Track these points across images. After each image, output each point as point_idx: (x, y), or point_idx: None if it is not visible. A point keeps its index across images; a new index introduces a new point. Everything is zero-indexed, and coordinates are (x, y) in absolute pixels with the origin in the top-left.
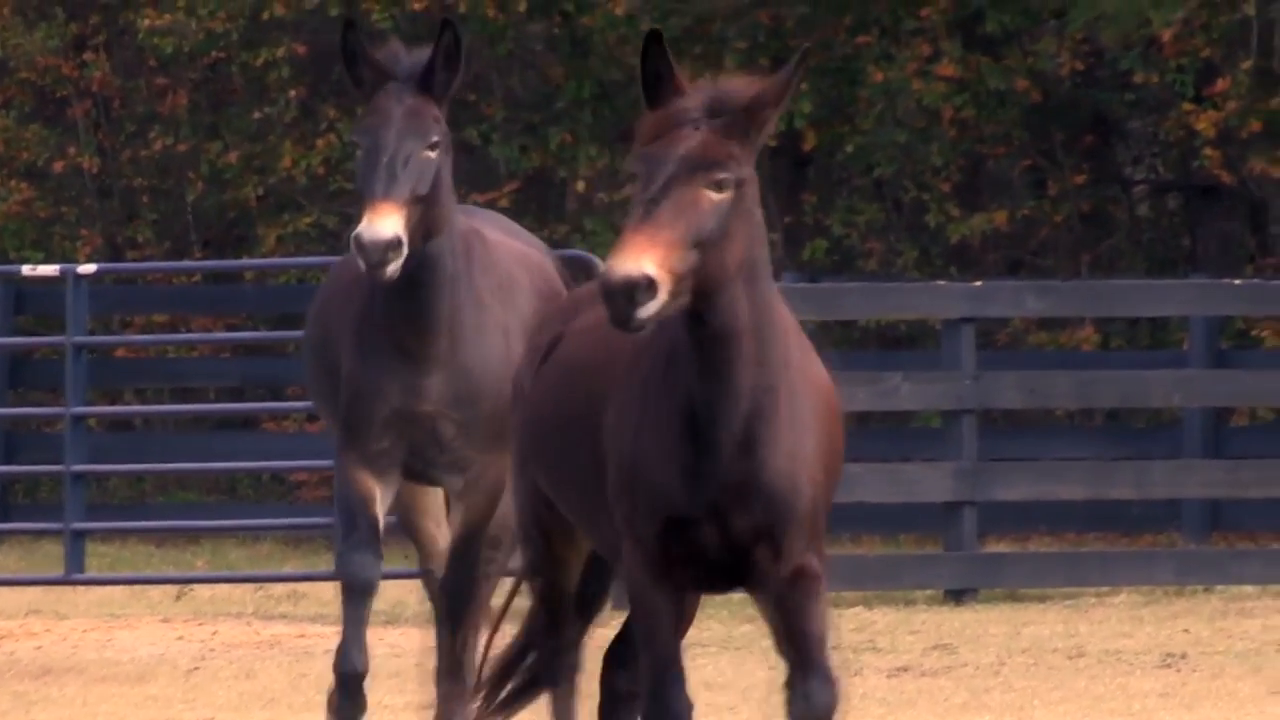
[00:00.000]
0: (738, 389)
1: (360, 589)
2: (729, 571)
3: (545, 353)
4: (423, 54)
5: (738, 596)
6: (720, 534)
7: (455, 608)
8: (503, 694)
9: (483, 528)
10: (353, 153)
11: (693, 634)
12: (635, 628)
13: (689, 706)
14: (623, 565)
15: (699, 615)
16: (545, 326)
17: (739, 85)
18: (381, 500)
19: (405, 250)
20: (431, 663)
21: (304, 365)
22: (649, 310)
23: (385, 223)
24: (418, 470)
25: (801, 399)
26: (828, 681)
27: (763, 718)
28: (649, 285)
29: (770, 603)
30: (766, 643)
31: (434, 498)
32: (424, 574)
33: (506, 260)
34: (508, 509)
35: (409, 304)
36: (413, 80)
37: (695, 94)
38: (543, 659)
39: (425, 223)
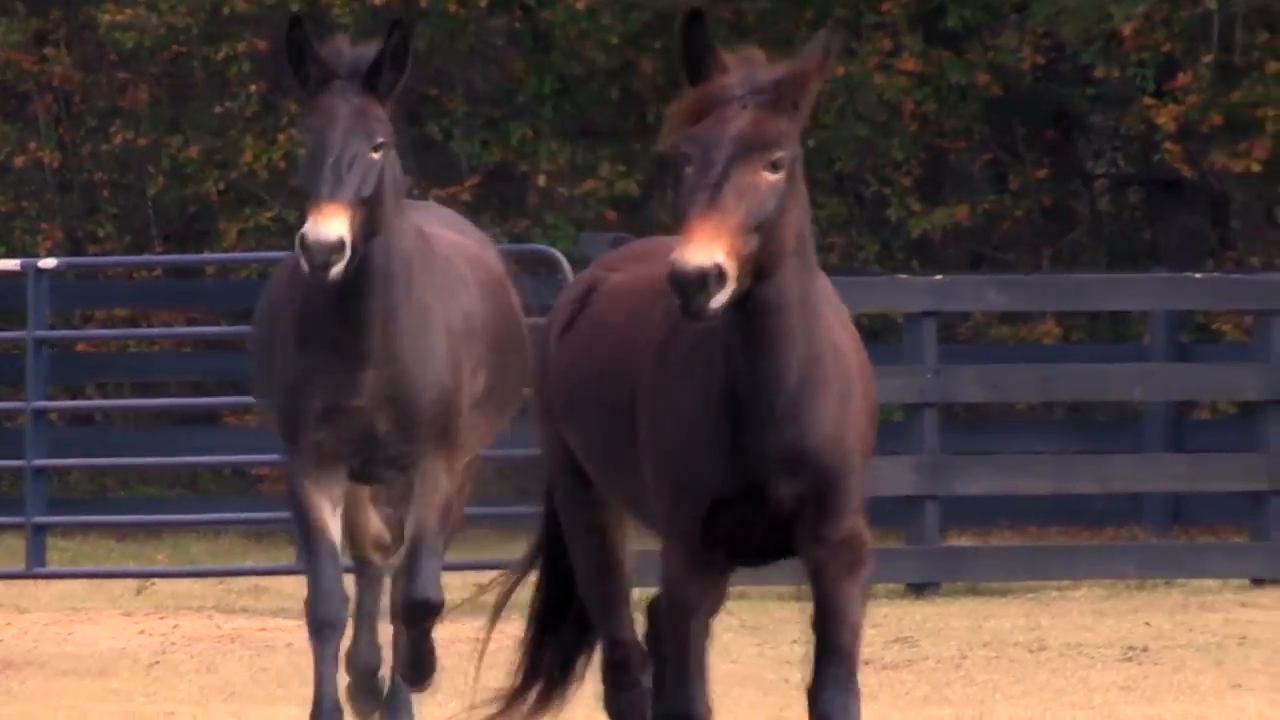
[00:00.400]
0: (786, 361)
1: (329, 634)
2: (775, 545)
3: (579, 303)
4: (368, 50)
5: None
6: (767, 508)
7: (417, 609)
8: (538, 688)
9: (436, 527)
10: None
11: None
12: (664, 618)
13: (707, 708)
14: (660, 551)
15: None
16: (583, 277)
17: (774, 62)
18: (333, 513)
19: (349, 252)
20: (347, 647)
21: (251, 366)
22: (720, 299)
23: (330, 224)
24: (359, 471)
25: (843, 363)
26: (850, 695)
27: (725, 711)
28: (720, 275)
29: (813, 570)
30: (728, 636)
31: (360, 489)
32: (356, 564)
33: (450, 256)
34: (457, 504)
35: (341, 300)
36: (357, 78)
37: (736, 70)
38: (614, 666)
39: (368, 223)
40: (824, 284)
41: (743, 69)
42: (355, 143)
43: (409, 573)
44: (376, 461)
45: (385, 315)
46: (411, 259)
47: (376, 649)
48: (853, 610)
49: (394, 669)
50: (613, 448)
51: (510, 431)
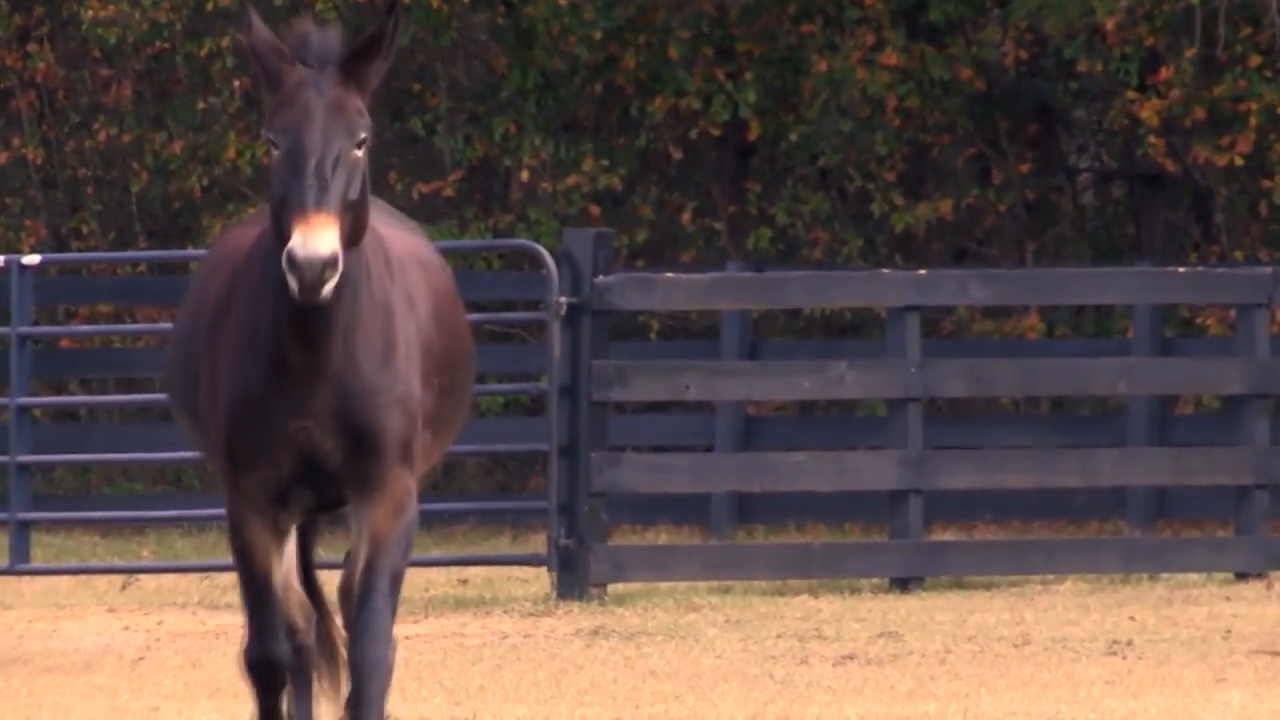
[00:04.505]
0: None
1: (271, 686)
2: None
3: None
4: (334, 37)
5: (683, 585)
6: None
7: (368, 658)
8: None
9: (392, 552)
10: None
11: (637, 623)
12: None
13: None
14: None
15: (646, 604)
16: None
17: None
18: (278, 561)
19: (340, 268)
20: None
21: (171, 368)
22: None
23: (322, 237)
24: (315, 504)
25: None
26: None
27: (709, 705)
28: None
29: None
30: (712, 631)
31: (288, 547)
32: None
33: (404, 259)
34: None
35: (299, 315)
36: (330, 68)
37: None
38: None
39: (352, 231)
40: None
41: None
42: (337, 141)
43: (358, 626)
44: (330, 495)
45: (347, 326)
46: (370, 256)
47: None
48: None
49: None
50: None
51: (493, 428)
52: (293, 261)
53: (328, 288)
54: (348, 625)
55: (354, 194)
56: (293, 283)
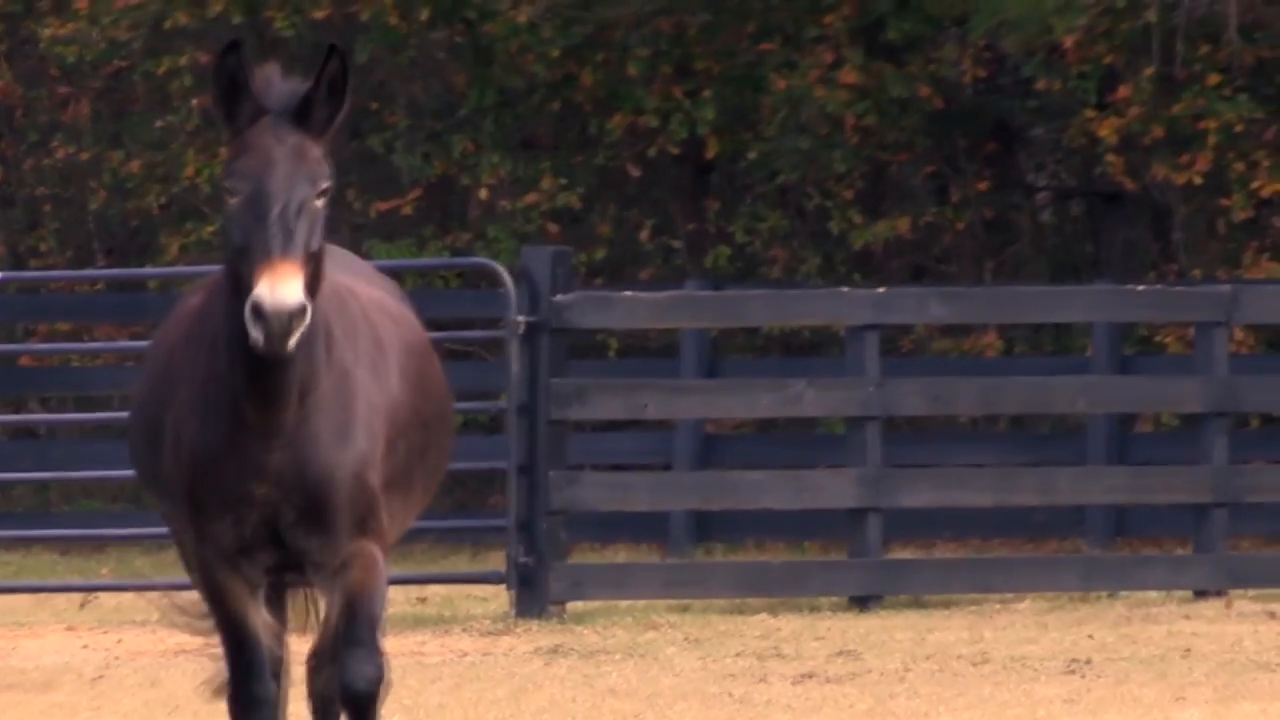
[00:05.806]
0: None
1: (264, 713)
2: None
3: None
4: (298, 83)
5: (642, 603)
6: None
7: (354, 699)
8: None
9: (370, 605)
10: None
11: (596, 641)
12: None
13: None
14: None
15: (605, 622)
16: None
17: None
18: (255, 605)
19: (308, 318)
20: None
21: (133, 438)
22: None
23: (288, 286)
24: (275, 559)
25: None
26: None
27: None
28: None
29: None
30: (671, 650)
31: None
32: None
33: (370, 313)
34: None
35: (255, 369)
36: (289, 114)
37: None
38: None
39: (312, 283)
40: None
41: None
42: (300, 188)
43: (344, 653)
44: (290, 566)
45: (304, 386)
46: (330, 317)
47: None
48: None
49: None
50: None
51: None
52: (259, 313)
53: (294, 339)
54: (312, 694)
55: (315, 245)
56: (257, 334)
